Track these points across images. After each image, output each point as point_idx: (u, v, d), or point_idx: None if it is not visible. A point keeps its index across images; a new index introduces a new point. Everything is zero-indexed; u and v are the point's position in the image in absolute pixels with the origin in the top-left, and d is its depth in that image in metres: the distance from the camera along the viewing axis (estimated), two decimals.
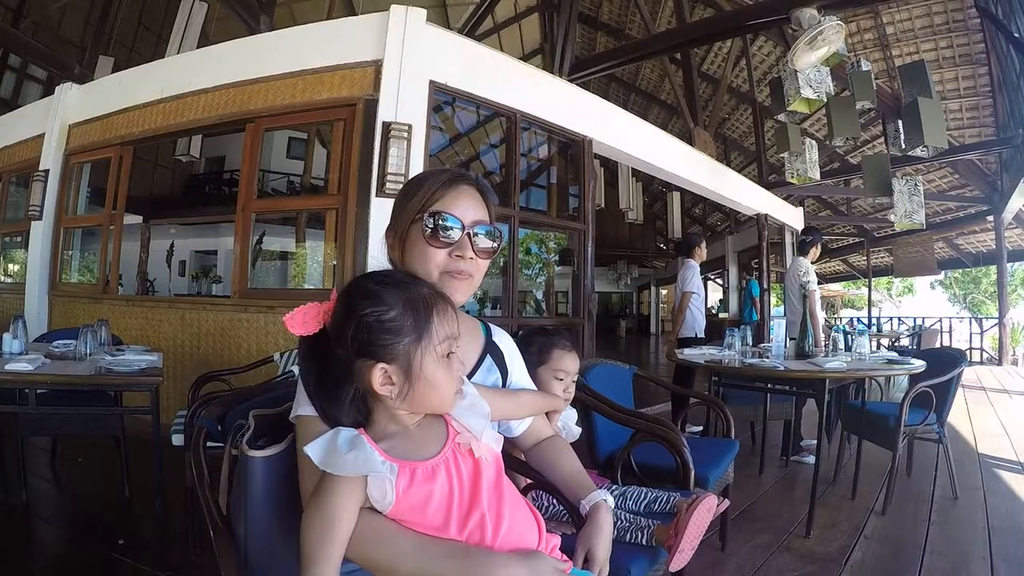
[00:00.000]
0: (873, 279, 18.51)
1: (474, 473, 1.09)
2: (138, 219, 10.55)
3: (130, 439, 3.51)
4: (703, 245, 6.20)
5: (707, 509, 1.64)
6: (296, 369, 1.21)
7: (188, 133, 6.27)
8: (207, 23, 7.63)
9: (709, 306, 17.62)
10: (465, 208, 1.30)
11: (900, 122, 7.42)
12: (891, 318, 20.27)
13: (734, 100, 12.44)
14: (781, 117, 6.99)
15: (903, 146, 7.27)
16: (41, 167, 6.53)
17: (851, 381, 4.14)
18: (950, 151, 8.52)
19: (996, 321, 13.69)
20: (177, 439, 3.16)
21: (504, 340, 1.55)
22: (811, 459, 4.59)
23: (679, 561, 1.61)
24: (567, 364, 2.00)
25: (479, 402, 1.17)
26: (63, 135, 6.59)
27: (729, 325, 5.47)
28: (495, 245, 1.36)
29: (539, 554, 1.09)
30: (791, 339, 4.25)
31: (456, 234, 1.27)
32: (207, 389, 3.39)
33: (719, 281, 17.35)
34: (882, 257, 18.21)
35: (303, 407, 1.14)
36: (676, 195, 13.47)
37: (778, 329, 4.26)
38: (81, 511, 3.47)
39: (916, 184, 7.38)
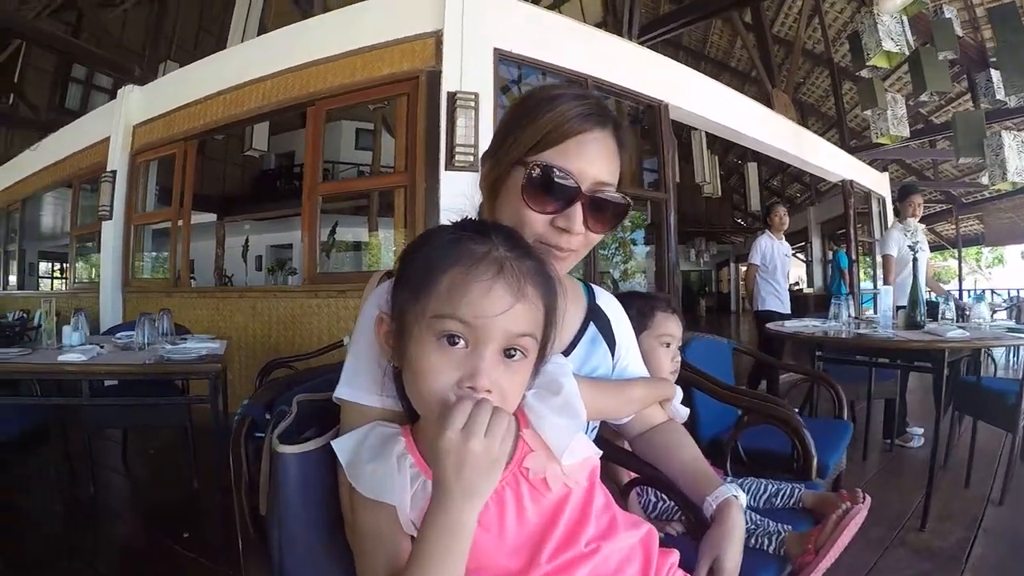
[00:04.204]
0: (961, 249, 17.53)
1: (548, 511, 0.83)
2: (212, 217, 10.81)
3: (202, 429, 3.40)
4: (777, 212, 5.74)
5: (856, 524, 1.30)
6: None
7: (250, 122, 6.22)
8: (265, 17, 7.55)
9: (792, 281, 16.91)
10: (590, 162, 0.99)
11: (992, 71, 6.93)
12: (984, 290, 19.10)
13: (808, 63, 11.74)
14: (863, 73, 6.61)
15: (1001, 96, 6.77)
16: (108, 168, 6.63)
17: (966, 354, 3.71)
18: None
19: None
20: None
21: (610, 304, 1.24)
22: (917, 443, 4.25)
23: None
24: (672, 328, 1.69)
25: (573, 403, 0.89)
26: (128, 136, 6.68)
27: (816, 300, 5.13)
28: (618, 215, 1.04)
29: None
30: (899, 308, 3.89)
31: (566, 199, 0.98)
32: (275, 377, 3.24)
33: (801, 256, 16.63)
34: (971, 225, 17.24)
35: (347, 386, 0.90)
36: (753, 166, 12.91)
37: (885, 297, 3.89)
38: (148, 503, 3.41)
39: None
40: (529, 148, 0.98)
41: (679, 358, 1.73)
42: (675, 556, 0.95)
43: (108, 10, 9.13)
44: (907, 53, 6.00)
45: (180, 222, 6.11)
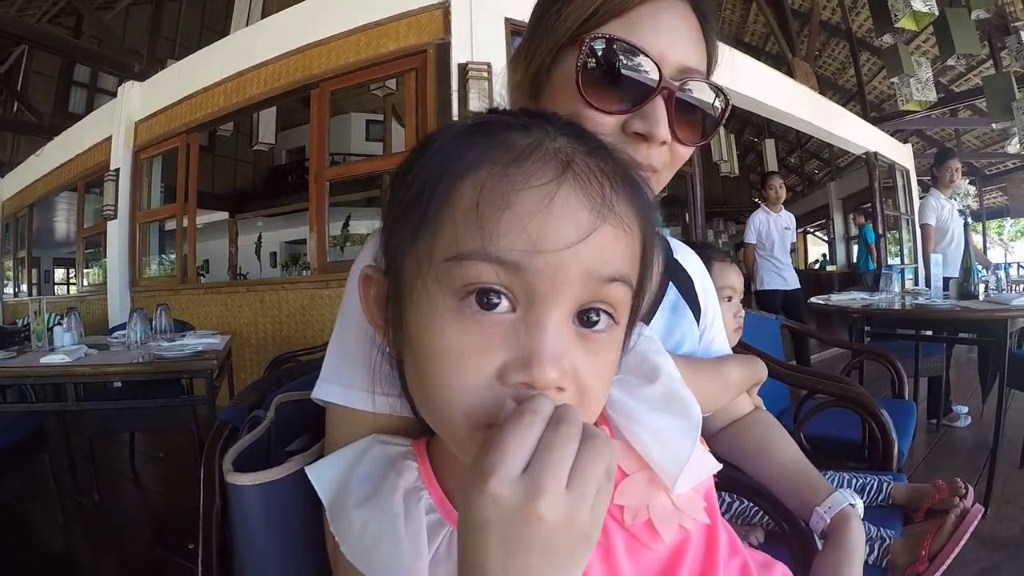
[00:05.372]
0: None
1: (657, 571, 0.53)
2: (224, 215, 10.67)
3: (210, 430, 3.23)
4: (772, 184, 5.43)
5: (974, 525, 1.08)
6: None
7: (253, 109, 6.02)
8: (267, 8, 7.38)
9: (813, 260, 16.60)
10: (671, 39, 0.69)
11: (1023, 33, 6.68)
12: (1012, 264, 18.69)
13: (824, 34, 11.47)
14: (886, 39, 6.38)
15: None
16: (111, 167, 6.46)
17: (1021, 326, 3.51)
18: None
19: None
20: None
21: (690, 258, 0.96)
22: (963, 422, 4.03)
23: None
24: (733, 278, 1.47)
25: (680, 395, 0.58)
26: (130, 133, 6.51)
27: (840, 278, 4.93)
28: (713, 118, 0.75)
29: None
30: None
31: (642, 90, 0.68)
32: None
33: (820, 234, 16.30)
34: (995, 197, 16.83)
35: (329, 382, 0.62)
36: (770, 143, 12.57)
37: (936, 267, 3.72)
38: (154, 511, 3.27)
39: None
40: (580, 23, 0.69)
41: (742, 313, 1.50)
42: None
43: (107, 11, 9.02)
44: (936, 14, 5.73)
45: (185, 217, 5.95)
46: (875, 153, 9.10)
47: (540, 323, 0.43)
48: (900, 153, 10.39)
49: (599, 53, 0.68)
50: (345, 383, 0.60)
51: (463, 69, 4.06)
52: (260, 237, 12.55)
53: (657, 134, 0.69)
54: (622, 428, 0.55)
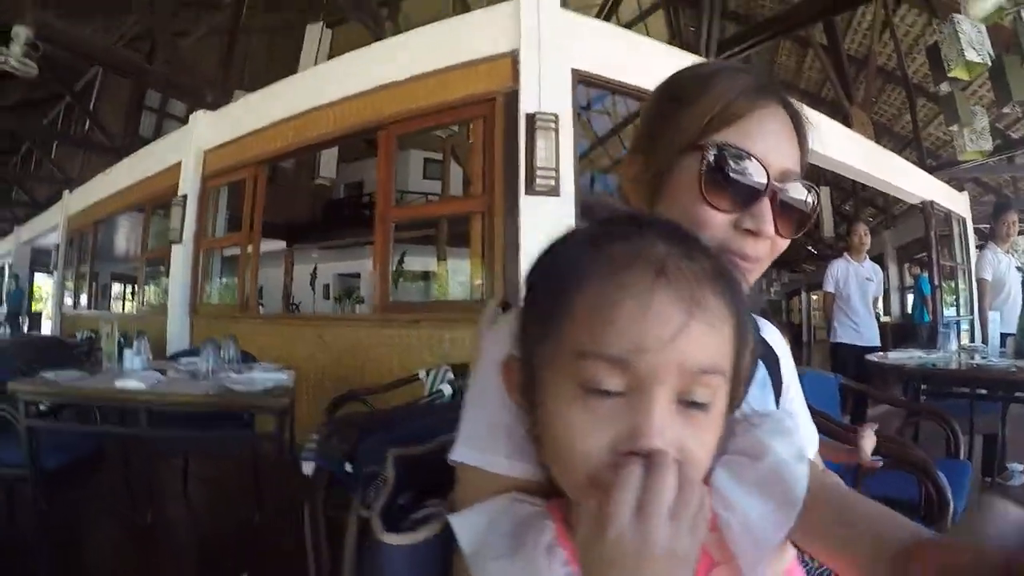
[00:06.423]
0: None
1: None
2: (281, 244, 10.89)
3: (265, 457, 3.34)
4: (857, 231, 5.35)
5: None
6: (447, 388, 0.71)
7: (320, 147, 6.22)
8: (333, 49, 7.60)
9: None
10: (775, 145, 0.78)
11: None
12: None
13: (880, 80, 11.37)
14: (943, 87, 6.34)
15: None
16: (180, 192, 6.69)
17: None
18: None
19: None
20: (307, 467, 2.91)
21: (775, 336, 0.97)
22: (1018, 480, 3.95)
23: None
24: None
25: (785, 473, 0.57)
26: (199, 161, 6.72)
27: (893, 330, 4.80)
28: (807, 215, 0.83)
29: None
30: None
31: (752, 193, 0.77)
32: (347, 413, 3.11)
33: None
34: None
35: (467, 446, 0.66)
36: (825, 191, 12.42)
37: (993, 324, 3.72)
38: (207, 536, 3.30)
39: None
40: (700, 131, 0.78)
41: None
42: None
43: (182, 38, 9.35)
44: (988, 63, 5.67)
45: (249, 247, 6.10)
46: (931, 202, 8.95)
47: (645, 405, 0.50)
48: (957, 202, 10.23)
49: (718, 159, 0.77)
50: (484, 448, 0.65)
51: (531, 119, 4.14)
52: (315, 268, 12.74)
53: (765, 231, 0.78)
54: (718, 517, 0.56)
